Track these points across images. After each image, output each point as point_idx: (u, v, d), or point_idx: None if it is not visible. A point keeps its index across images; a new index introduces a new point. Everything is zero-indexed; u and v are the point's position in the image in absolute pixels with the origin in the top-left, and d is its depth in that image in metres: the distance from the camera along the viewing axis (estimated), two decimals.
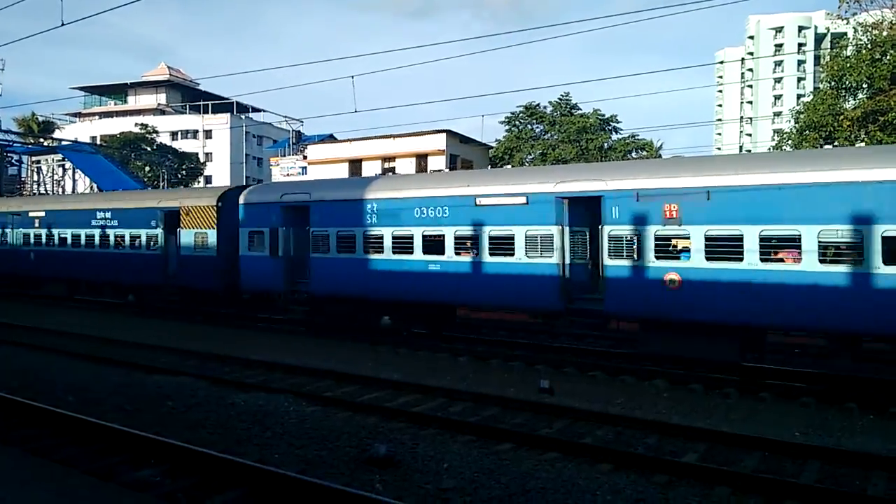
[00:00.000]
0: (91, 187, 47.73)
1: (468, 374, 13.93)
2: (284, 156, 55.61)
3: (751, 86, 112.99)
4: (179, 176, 58.17)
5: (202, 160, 70.65)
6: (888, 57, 24.91)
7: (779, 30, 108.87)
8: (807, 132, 27.41)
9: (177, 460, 7.79)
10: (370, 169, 39.49)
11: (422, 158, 38.29)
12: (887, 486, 7.82)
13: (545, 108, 45.86)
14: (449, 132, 38.38)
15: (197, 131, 76.78)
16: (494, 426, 9.80)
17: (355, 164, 40.47)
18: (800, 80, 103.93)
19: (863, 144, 24.01)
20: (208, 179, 71.12)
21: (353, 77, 18.05)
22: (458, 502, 7.16)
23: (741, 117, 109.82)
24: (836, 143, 25.74)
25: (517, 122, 46.26)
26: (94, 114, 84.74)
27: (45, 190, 56.73)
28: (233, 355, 15.02)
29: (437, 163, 37.49)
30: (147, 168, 55.85)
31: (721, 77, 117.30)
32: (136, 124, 61.80)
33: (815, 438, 9.53)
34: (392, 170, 39.09)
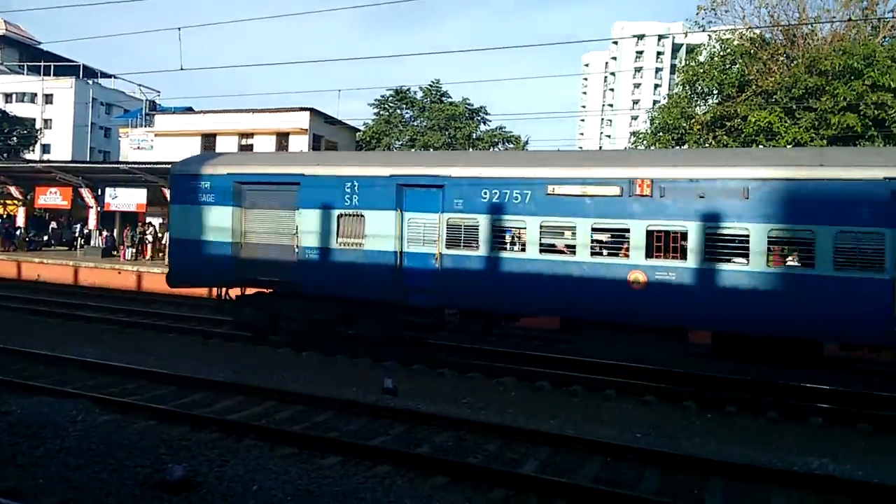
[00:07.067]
0: None
1: (306, 371, 12.74)
2: (136, 127, 50.91)
3: (612, 89, 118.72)
4: (10, 143, 51.67)
5: (39, 126, 63.40)
6: (737, 66, 26.25)
7: (640, 37, 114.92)
8: (660, 134, 28.39)
9: None
10: (225, 144, 36.76)
11: (283, 137, 36.11)
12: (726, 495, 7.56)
13: (415, 93, 44.99)
14: (313, 111, 36.48)
15: (35, 95, 68.89)
16: (322, 436, 8.68)
17: (209, 139, 37.51)
18: (656, 86, 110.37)
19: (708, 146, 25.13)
20: (46, 148, 64.10)
21: (179, 29, 15.97)
22: None
23: (601, 119, 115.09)
24: (685, 145, 26.87)
25: (387, 106, 45.03)
26: None
27: None
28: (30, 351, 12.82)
29: (298, 142, 35.54)
30: None
31: (586, 79, 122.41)
32: None
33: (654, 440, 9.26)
34: (250, 147, 36.64)
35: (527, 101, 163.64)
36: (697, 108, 28.09)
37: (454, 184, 12.77)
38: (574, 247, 11.94)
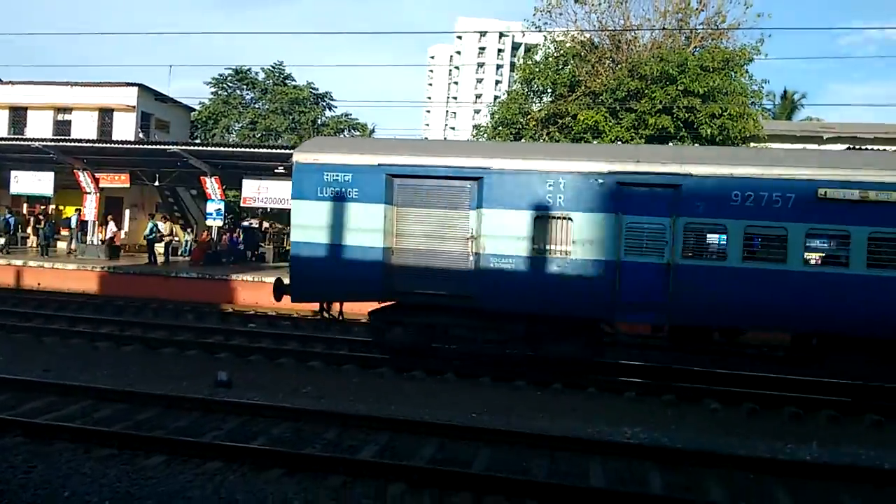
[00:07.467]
0: None
1: (130, 365, 11.91)
2: None
3: (457, 82, 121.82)
4: None
5: None
6: (569, 67, 27.90)
7: (482, 34, 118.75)
8: (500, 128, 29.53)
9: None
10: (38, 120, 33.10)
11: (106, 113, 33.14)
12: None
13: (257, 74, 43.31)
14: (141, 86, 33.78)
15: None
16: (144, 435, 8.14)
17: (18, 113, 33.56)
18: (497, 82, 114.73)
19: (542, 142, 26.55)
20: None
21: None
22: None
23: (447, 111, 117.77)
24: (522, 140, 28.18)
25: (225, 86, 42.94)
26: None
27: None
28: None
29: (125, 120, 32.78)
30: None
31: (432, 71, 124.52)
32: None
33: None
34: (68, 123, 33.24)
35: (373, 89, 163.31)
36: (533, 104, 29.52)
37: (695, 184, 11.18)
38: (846, 257, 10.94)
